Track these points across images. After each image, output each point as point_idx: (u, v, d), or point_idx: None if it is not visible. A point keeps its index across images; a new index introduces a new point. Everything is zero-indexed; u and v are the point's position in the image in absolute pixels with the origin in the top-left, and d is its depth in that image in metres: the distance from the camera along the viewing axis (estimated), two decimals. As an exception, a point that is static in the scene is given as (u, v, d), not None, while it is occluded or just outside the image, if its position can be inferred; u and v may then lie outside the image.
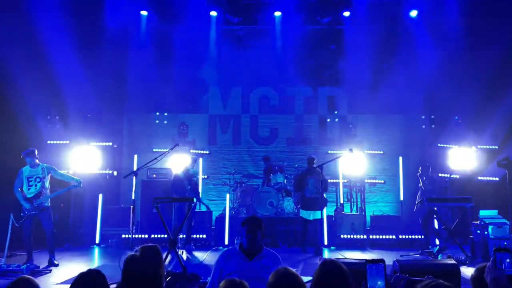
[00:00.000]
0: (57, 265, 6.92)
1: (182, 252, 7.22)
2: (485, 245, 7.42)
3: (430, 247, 8.49)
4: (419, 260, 6.88)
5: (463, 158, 10.08)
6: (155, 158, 6.44)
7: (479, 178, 10.18)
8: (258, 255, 3.72)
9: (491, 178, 10.14)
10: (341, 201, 10.45)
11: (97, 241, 9.30)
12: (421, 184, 8.88)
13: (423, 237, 8.76)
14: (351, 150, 8.65)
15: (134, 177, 6.40)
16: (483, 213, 7.81)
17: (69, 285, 2.53)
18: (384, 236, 9.32)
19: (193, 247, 8.65)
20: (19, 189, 6.87)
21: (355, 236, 9.31)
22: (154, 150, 10.32)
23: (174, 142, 7.63)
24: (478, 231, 7.73)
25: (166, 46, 11.01)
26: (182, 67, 11.03)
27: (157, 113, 11.76)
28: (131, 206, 8.31)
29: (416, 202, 8.82)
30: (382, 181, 11.08)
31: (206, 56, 11.45)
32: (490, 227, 7.42)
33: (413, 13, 10.90)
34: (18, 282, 2.45)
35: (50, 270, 6.55)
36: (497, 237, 7.34)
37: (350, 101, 11.79)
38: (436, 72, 10.32)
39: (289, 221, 9.42)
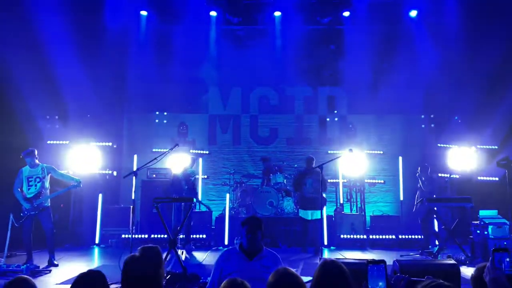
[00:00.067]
0: (57, 265, 6.93)
1: (182, 252, 7.21)
2: (485, 245, 7.43)
3: (430, 247, 8.50)
4: (419, 260, 6.88)
5: (463, 158, 10.07)
6: (155, 158, 6.43)
7: (479, 178, 10.17)
8: (258, 255, 3.72)
9: (491, 178, 10.15)
10: (341, 201, 10.46)
11: (97, 241, 9.31)
12: (420, 184, 8.89)
13: (422, 237, 8.77)
14: (351, 150, 8.65)
15: (134, 177, 6.39)
16: (483, 213, 7.82)
17: (69, 285, 2.53)
18: (384, 236, 9.32)
19: (193, 247, 8.66)
20: (19, 189, 6.88)
21: (355, 236, 9.31)
22: (154, 150, 10.32)
23: (174, 142, 7.61)
24: (478, 231, 7.74)
25: (166, 46, 10.99)
26: (182, 67, 11.00)
27: (157, 113, 11.75)
28: (131, 206, 8.30)
29: (415, 203, 8.83)
30: (382, 181, 11.09)
31: (206, 56, 11.43)
32: (490, 227, 7.43)
33: (413, 13, 10.90)
34: (15, 281, 2.45)
35: (50, 270, 6.55)
36: (497, 237, 7.35)
37: (350, 101, 11.78)
38: (436, 72, 10.33)
39: (289, 221, 9.43)
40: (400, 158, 10.47)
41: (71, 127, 9.94)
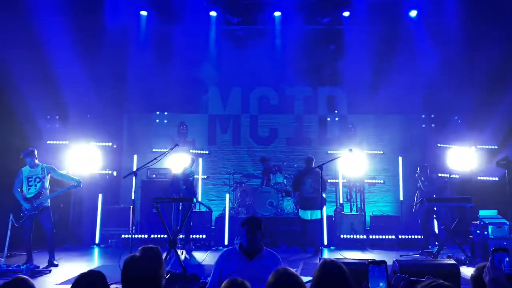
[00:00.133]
0: (56, 265, 6.93)
1: (182, 252, 7.22)
2: (484, 245, 7.43)
3: (429, 247, 8.50)
4: (419, 260, 6.87)
5: (463, 158, 10.07)
6: (155, 158, 6.42)
7: (479, 178, 10.18)
8: (258, 255, 3.72)
9: (490, 178, 10.15)
10: (341, 201, 10.46)
11: (97, 241, 9.32)
12: (420, 184, 8.89)
13: (422, 237, 8.77)
14: (350, 150, 8.64)
15: (134, 177, 6.38)
16: (482, 213, 7.82)
17: (69, 286, 2.53)
18: (383, 236, 9.33)
19: (193, 247, 8.65)
20: (19, 189, 6.87)
21: (354, 236, 9.31)
22: (154, 150, 10.33)
23: (174, 142, 7.61)
24: (478, 231, 7.74)
25: (166, 46, 10.99)
26: (182, 67, 11.00)
27: (157, 113, 11.75)
28: (131, 206, 8.31)
29: (415, 203, 8.83)
30: (382, 181, 11.08)
31: (206, 56, 11.44)
32: (489, 227, 7.42)
33: (413, 13, 10.92)
34: (13, 282, 2.45)
35: (50, 270, 6.55)
36: (496, 237, 7.34)
37: (350, 101, 11.78)
38: (436, 72, 10.33)
39: (289, 221, 9.43)
40: (400, 158, 10.47)
41: (71, 127, 9.94)
